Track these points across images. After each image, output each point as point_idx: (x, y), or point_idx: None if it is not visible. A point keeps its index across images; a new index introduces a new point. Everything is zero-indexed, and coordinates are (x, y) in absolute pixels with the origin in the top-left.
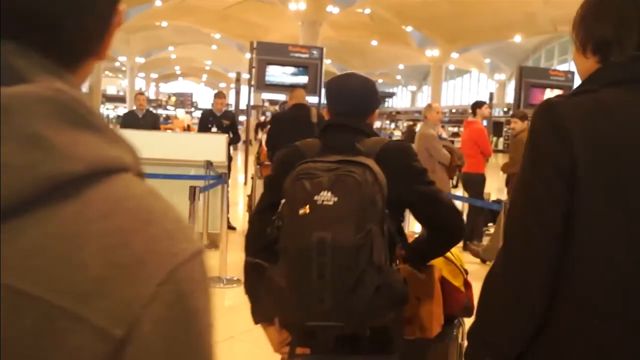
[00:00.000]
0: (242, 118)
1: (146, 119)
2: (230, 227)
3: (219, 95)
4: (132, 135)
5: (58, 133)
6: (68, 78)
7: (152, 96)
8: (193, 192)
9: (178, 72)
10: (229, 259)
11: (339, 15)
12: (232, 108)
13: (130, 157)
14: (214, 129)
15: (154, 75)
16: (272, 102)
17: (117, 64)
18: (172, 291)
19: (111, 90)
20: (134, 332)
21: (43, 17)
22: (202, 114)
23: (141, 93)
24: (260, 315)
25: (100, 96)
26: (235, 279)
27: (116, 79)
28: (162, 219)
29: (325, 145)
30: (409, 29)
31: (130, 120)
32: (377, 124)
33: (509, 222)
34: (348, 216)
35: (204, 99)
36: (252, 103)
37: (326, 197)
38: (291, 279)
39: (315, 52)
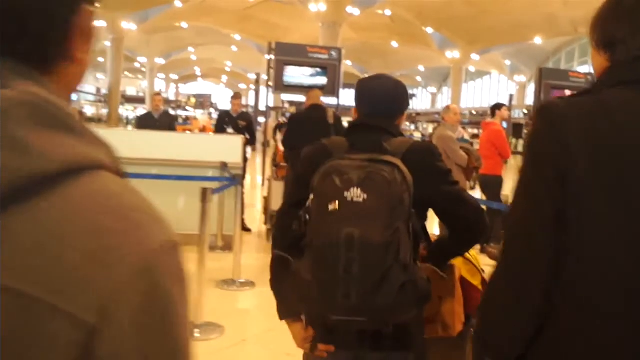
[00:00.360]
0: (262, 119)
1: (162, 120)
2: (246, 229)
3: (236, 97)
4: (147, 136)
5: (34, 135)
6: (44, 82)
7: (171, 97)
8: (204, 194)
9: (198, 74)
10: (243, 261)
11: (360, 16)
12: (252, 110)
13: (107, 156)
14: (230, 130)
15: (173, 77)
16: (292, 104)
17: (137, 64)
18: (146, 281)
19: (131, 92)
20: (108, 319)
21: (9, 24)
22: (218, 115)
23: (158, 94)
24: (285, 311)
25: (120, 97)
26: (249, 281)
27: (136, 80)
28: (137, 213)
29: (352, 144)
30: (430, 30)
31: (146, 122)
32: None
33: (509, 223)
34: (377, 213)
35: (224, 100)
36: (270, 104)
37: (356, 194)
38: (318, 273)
39: (334, 53)
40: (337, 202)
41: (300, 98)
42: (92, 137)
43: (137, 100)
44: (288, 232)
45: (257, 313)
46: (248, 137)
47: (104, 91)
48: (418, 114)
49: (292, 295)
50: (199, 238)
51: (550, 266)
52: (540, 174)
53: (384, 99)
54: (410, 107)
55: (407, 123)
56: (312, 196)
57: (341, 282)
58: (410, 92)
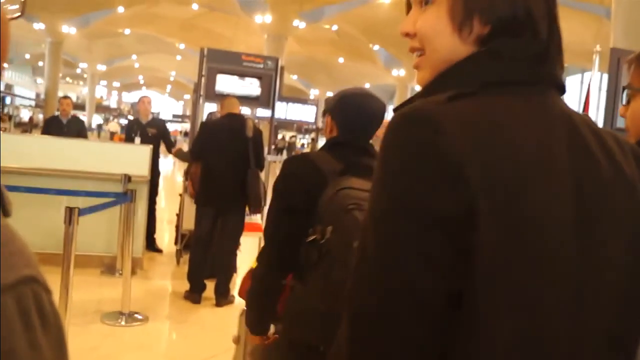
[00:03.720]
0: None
1: (71, 126)
2: (156, 250)
3: (143, 101)
4: (43, 143)
5: None
6: None
7: (113, 105)
8: (69, 214)
9: (142, 82)
10: (141, 288)
11: (306, 30)
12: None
13: None
14: (138, 140)
15: (116, 84)
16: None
17: (79, 70)
18: None
19: (71, 97)
20: None
21: None
22: (127, 122)
23: (66, 97)
24: (263, 329)
25: (57, 102)
26: (143, 315)
27: (77, 86)
28: None
29: (345, 165)
30: (376, 47)
31: (53, 127)
32: None
33: (354, 295)
34: None
35: (168, 109)
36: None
37: None
38: (336, 306)
39: (270, 62)
40: None
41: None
42: None
43: (77, 106)
44: (287, 262)
45: (143, 356)
46: (166, 144)
47: (43, 96)
48: None
49: (275, 313)
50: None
51: None
52: (415, 229)
53: (379, 121)
54: None
55: None
56: (330, 229)
57: None
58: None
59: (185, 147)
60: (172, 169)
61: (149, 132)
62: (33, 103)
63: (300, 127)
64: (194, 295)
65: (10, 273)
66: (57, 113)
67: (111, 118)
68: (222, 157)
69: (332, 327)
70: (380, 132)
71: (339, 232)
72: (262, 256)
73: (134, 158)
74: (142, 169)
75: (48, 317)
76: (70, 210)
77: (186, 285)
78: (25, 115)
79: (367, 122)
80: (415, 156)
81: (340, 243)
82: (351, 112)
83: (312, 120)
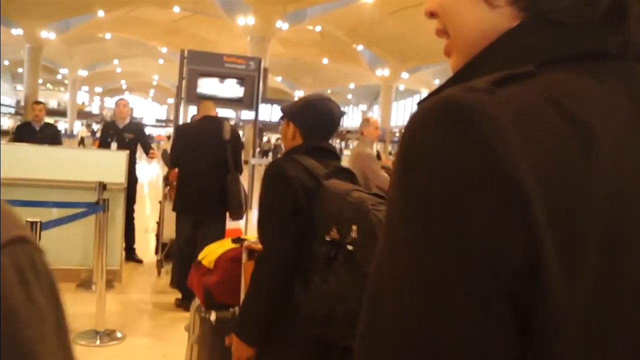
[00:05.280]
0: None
1: (44, 132)
2: (136, 260)
3: (119, 104)
4: (11, 150)
5: None
6: None
7: (95, 111)
8: (34, 228)
9: (124, 87)
10: (118, 302)
11: (289, 31)
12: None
13: None
14: (114, 145)
15: (98, 89)
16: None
17: (59, 76)
18: None
19: (53, 104)
20: None
21: None
22: (102, 126)
23: (38, 102)
24: (264, 338)
25: None
26: (119, 333)
27: (58, 92)
28: None
29: (328, 168)
30: (360, 47)
31: (25, 133)
32: None
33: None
34: None
35: (150, 114)
36: (182, 117)
37: None
38: None
39: (252, 63)
40: None
41: (223, 111)
42: None
43: (58, 113)
44: (296, 263)
45: None
46: (143, 148)
47: (21, 103)
48: (348, 132)
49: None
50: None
51: None
52: (470, 287)
53: (336, 122)
54: (341, 125)
55: (338, 140)
56: (355, 228)
57: None
58: (341, 109)
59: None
60: (156, 175)
61: (125, 137)
62: (13, 110)
63: None
64: (187, 303)
65: (2, 234)
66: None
67: (93, 124)
68: (199, 161)
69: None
70: (369, 132)
71: (366, 232)
72: (266, 260)
73: (109, 164)
74: (118, 176)
75: (41, 275)
76: (32, 225)
77: (167, 298)
78: (5, 123)
79: (332, 126)
80: (469, 170)
81: (369, 242)
82: (317, 118)
83: None
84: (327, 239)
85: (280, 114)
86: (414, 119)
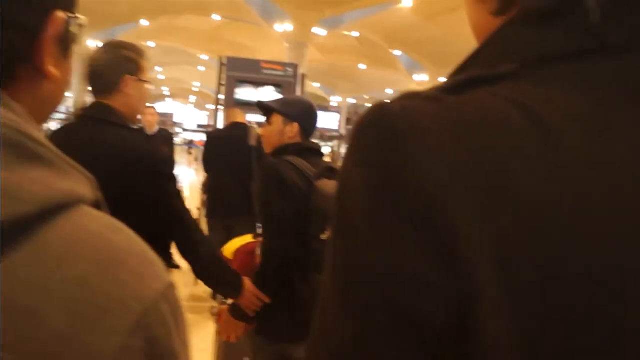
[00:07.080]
0: None
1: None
2: (174, 266)
3: (147, 112)
4: None
5: (6, 172)
6: (10, 103)
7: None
8: None
9: (167, 93)
10: None
11: (326, 37)
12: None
13: (83, 188)
14: None
15: None
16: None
17: None
18: (143, 338)
19: None
20: None
21: None
22: None
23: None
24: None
25: None
26: None
27: None
28: (124, 258)
29: (321, 168)
30: (398, 52)
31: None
32: None
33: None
34: None
35: (191, 119)
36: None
37: None
38: None
39: (289, 69)
40: None
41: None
42: (66, 165)
43: None
44: (297, 260)
45: None
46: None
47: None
48: None
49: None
50: None
51: None
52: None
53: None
54: None
55: None
56: None
57: None
58: None
59: None
60: (196, 181)
61: None
62: (63, 116)
63: (323, 135)
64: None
65: (160, 281)
66: None
67: None
68: (227, 167)
69: None
70: None
71: None
72: (267, 260)
73: None
74: None
75: (180, 314)
76: None
77: (200, 307)
78: (53, 127)
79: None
80: (385, 192)
81: None
82: (315, 120)
83: (336, 127)
84: (323, 237)
85: (283, 113)
86: (354, 126)
